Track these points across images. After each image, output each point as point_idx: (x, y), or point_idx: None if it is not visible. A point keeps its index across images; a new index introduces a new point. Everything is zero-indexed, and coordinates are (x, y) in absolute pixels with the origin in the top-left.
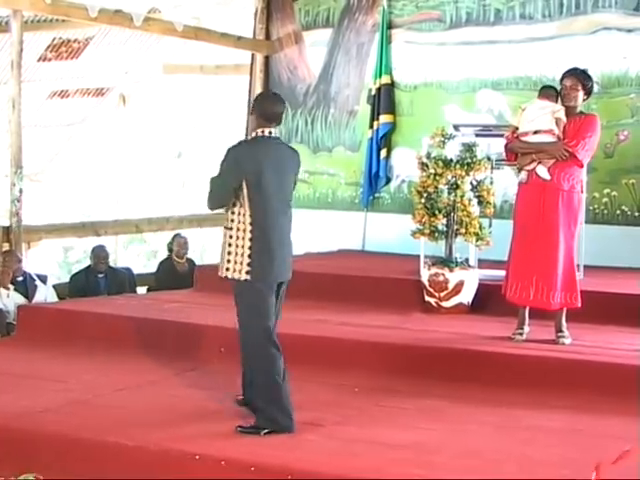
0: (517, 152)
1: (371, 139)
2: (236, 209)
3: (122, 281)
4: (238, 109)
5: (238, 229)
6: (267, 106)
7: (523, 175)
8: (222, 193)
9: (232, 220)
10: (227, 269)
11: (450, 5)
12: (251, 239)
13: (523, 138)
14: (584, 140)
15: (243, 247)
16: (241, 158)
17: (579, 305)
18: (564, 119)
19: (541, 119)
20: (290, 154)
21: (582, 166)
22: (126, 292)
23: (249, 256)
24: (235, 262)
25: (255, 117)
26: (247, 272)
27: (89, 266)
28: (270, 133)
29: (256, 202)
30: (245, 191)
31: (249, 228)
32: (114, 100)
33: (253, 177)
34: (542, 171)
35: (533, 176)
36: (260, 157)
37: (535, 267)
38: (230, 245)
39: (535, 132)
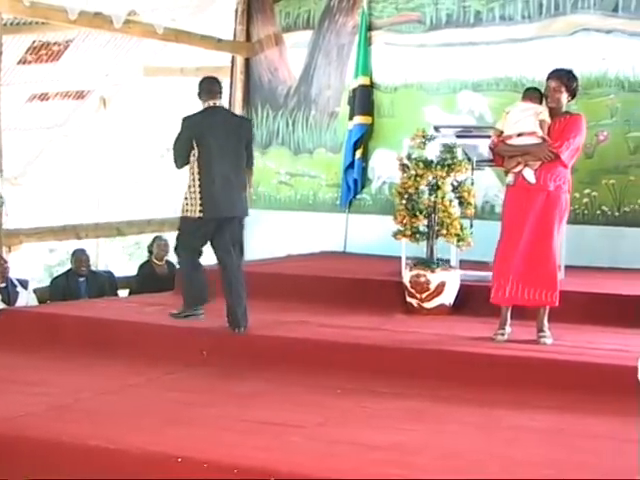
0: (504, 155)
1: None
2: (190, 164)
3: (103, 284)
4: None
5: (192, 179)
6: (208, 85)
7: (510, 178)
8: (181, 153)
9: (191, 173)
10: (186, 210)
11: (430, 7)
12: (200, 186)
13: (508, 141)
14: (568, 141)
15: (195, 192)
16: (190, 124)
17: (556, 304)
18: (548, 120)
19: (524, 121)
20: (237, 120)
21: (566, 167)
22: (107, 295)
23: (200, 199)
24: (191, 205)
25: (202, 95)
26: (200, 211)
27: (70, 269)
28: (214, 104)
29: (202, 157)
30: (196, 149)
31: (198, 177)
32: (94, 103)
33: (199, 138)
34: (528, 174)
35: (520, 178)
36: (204, 122)
37: (515, 265)
38: (187, 192)
39: (519, 135)
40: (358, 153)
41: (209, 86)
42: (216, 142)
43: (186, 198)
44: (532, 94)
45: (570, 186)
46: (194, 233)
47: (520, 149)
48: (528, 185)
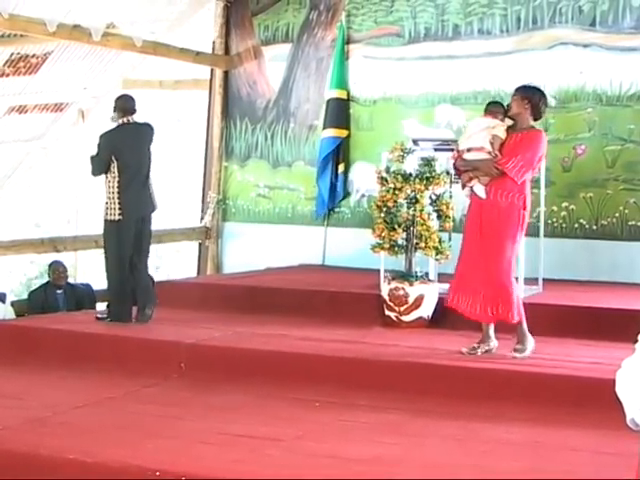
0: (460, 170)
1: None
2: (109, 175)
3: (81, 297)
4: (197, 123)
5: (111, 187)
6: (124, 103)
7: (466, 192)
8: (101, 165)
9: (107, 182)
10: (107, 214)
11: (409, 20)
12: (119, 192)
13: (463, 156)
14: (516, 157)
15: (114, 198)
16: (110, 140)
17: (514, 320)
18: (500, 135)
19: (476, 136)
20: (145, 130)
21: (516, 182)
22: (85, 308)
23: (119, 203)
24: (111, 209)
25: (117, 112)
26: (119, 214)
27: (47, 282)
28: (129, 120)
29: (120, 168)
30: (114, 162)
31: (116, 185)
32: (73, 115)
33: (117, 152)
34: (479, 189)
35: (472, 193)
36: (122, 138)
37: (469, 281)
38: (108, 199)
39: (468, 150)
40: (341, 167)
41: (124, 104)
42: (131, 157)
43: (107, 204)
44: (493, 108)
45: (525, 201)
46: (121, 237)
47: (470, 164)
48: (480, 200)
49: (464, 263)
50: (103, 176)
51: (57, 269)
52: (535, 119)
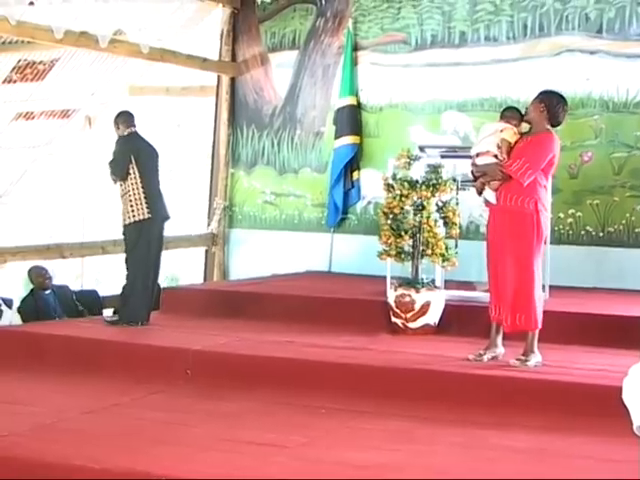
0: (475, 176)
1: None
2: (130, 177)
3: (70, 297)
4: (204, 130)
5: (134, 188)
6: (126, 117)
7: (482, 199)
8: (122, 167)
9: (128, 185)
10: (132, 216)
11: (415, 27)
12: (144, 191)
13: (474, 161)
14: (521, 159)
15: (139, 198)
16: (126, 143)
17: (533, 328)
18: (508, 138)
19: (485, 141)
20: (150, 144)
21: (523, 185)
22: (80, 310)
23: (146, 203)
24: (138, 209)
25: (121, 125)
26: (148, 212)
27: (32, 289)
28: (134, 131)
29: (140, 169)
30: (134, 163)
31: (140, 185)
32: (80, 122)
33: (136, 154)
34: (489, 195)
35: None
36: (136, 141)
37: (493, 287)
38: (131, 201)
39: (477, 155)
40: (356, 174)
41: (126, 117)
42: (148, 159)
43: (131, 205)
44: (507, 113)
45: (540, 205)
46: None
47: (480, 169)
48: (492, 206)
49: (490, 273)
50: (114, 183)
51: (40, 274)
52: (552, 125)
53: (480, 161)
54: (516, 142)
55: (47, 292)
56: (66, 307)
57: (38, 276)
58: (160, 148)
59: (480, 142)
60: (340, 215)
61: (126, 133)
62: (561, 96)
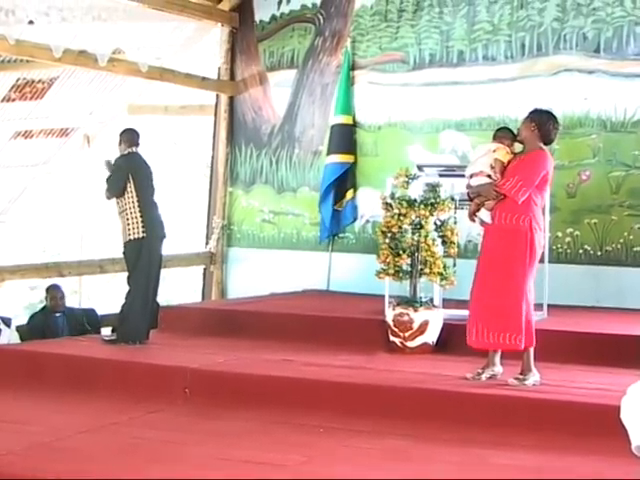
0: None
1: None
2: (127, 195)
3: (81, 321)
4: (202, 149)
5: (131, 207)
6: (130, 136)
7: (478, 220)
8: (119, 184)
9: (126, 203)
10: (129, 234)
11: (413, 47)
12: (140, 210)
13: (469, 182)
14: (514, 177)
15: (135, 217)
16: (125, 161)
17: (521, 348)
18: (501, 158)
19: (479, 161)
20: (147, 163)
21: (517, 203)
22: (86, 332)
23: (142, 221)
24: (133, 228)
25: (124, 143)
26: (143, 231)
27: (45, 306)
28: (135, 151)
29: (137, 187)
30: (131, 181)
31: (136, 203)
32: (78, 141)
33: (133, 172)
34: (484, 215)
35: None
36: (135, 160)
37: (480, 308)
38: (128, 219)
39: (471, 176)
40: (349, 194)
41: (130, 137)
42: (144, 179)
43: (128, 224)
44: (500, 134)
45: (534, 223)
46: (149, 255)
47: (474, 190)
48: (488, 225)
49: (475, 292)
50: (107, 200)
51: (55, 296)
52: (545, 143)
53: (474, 182)
54: (509, 162)
55: (57, 315)
56: (74, 330)
57: (52, 298)
58: (159, 167)
59: (473, 163)
60: (329, 232)
61: (126, 152)
62: (551, 114)
